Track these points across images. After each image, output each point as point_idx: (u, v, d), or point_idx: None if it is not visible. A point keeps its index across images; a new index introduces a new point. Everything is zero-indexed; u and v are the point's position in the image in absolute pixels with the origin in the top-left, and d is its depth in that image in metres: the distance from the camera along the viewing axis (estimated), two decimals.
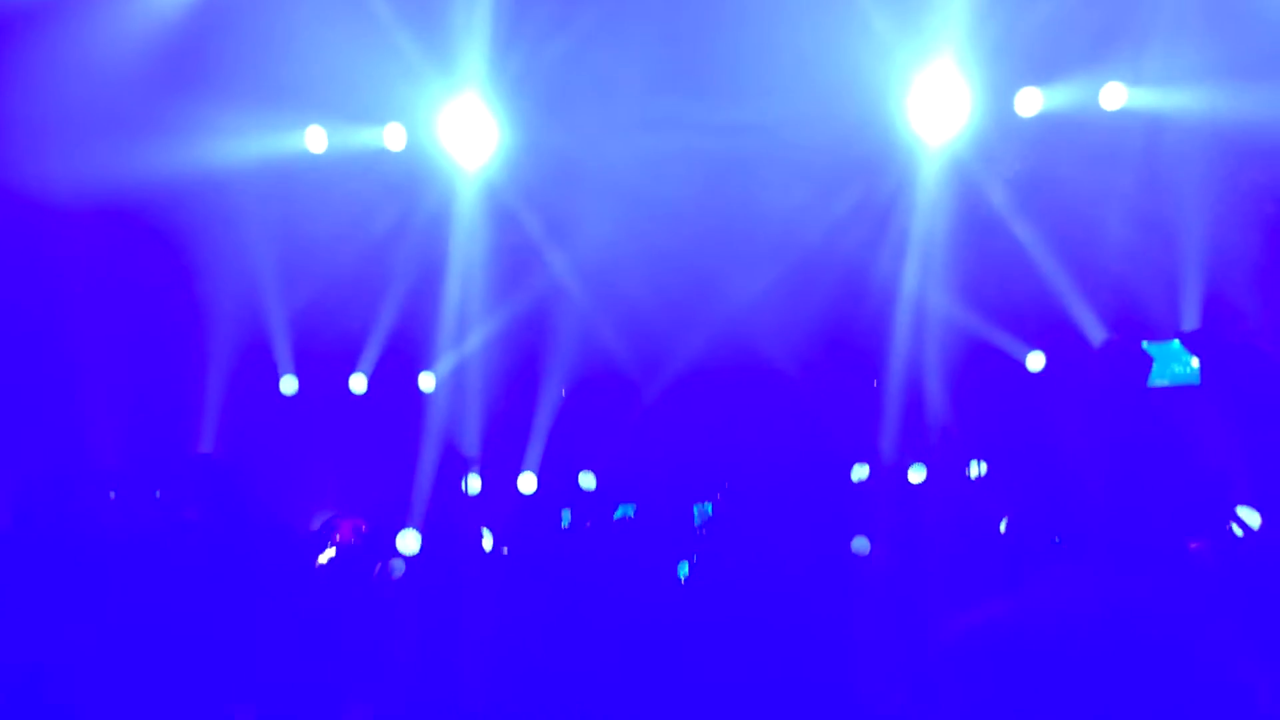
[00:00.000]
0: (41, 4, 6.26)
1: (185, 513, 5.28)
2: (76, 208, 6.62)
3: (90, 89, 6.46)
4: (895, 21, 6.52)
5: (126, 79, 6.64)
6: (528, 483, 7.87)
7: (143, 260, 7.25)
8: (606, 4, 7.09)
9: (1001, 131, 7.17)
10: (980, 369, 7.77)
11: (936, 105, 6.94)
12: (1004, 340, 7.75)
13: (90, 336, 6.86)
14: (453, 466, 7.64)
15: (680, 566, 7.61)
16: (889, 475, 7.80)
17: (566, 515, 7.79)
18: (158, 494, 5.68)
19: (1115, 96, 6.94)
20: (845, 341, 8.02)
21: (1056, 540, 5.25)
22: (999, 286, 7.65)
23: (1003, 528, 6.70)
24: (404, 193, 7.76)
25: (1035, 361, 7.71)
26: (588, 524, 7.97)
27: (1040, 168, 7.36)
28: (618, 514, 7.77)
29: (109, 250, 7.04)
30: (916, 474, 7.72)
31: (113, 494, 5.54)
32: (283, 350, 7.66)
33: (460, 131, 7.48)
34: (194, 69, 6.87)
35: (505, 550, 6.92)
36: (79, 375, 6.78)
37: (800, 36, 6.60)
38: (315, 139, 7.45)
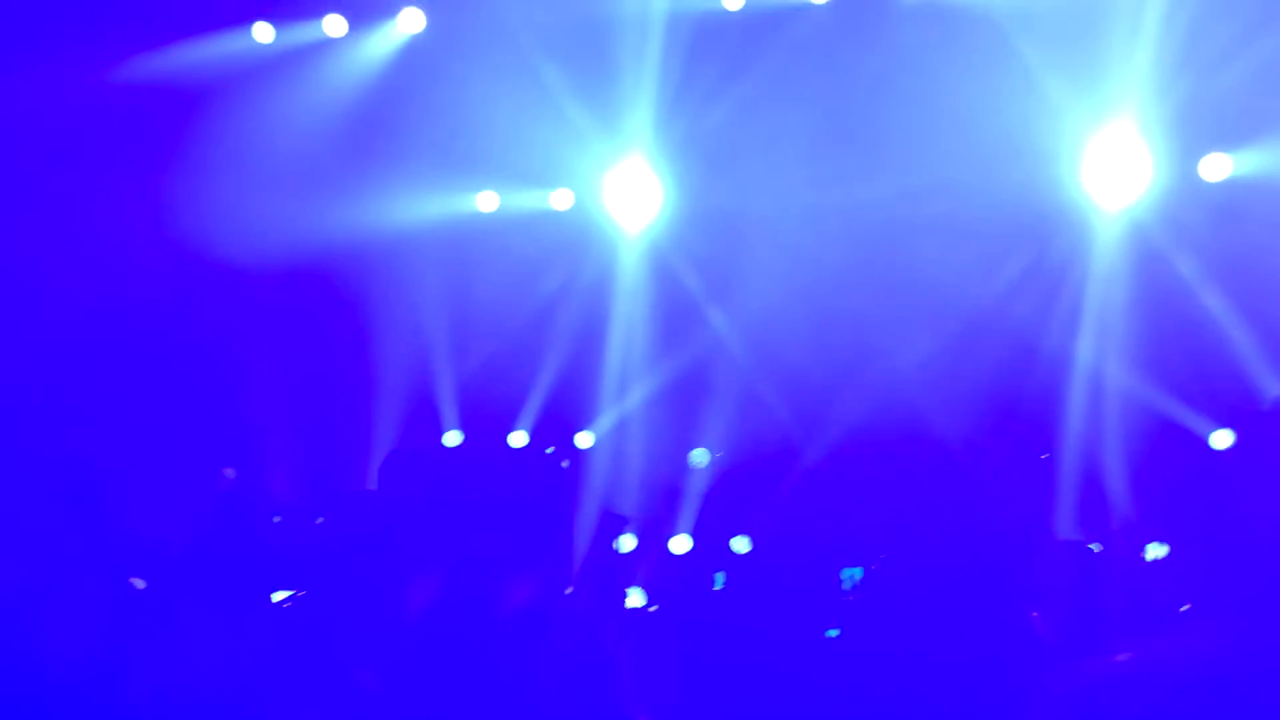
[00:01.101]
0: (237, 67, 6.69)
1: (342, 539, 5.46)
2: (261, 261, 7.00)
3: (278, 149, 6.86)
4: (1068, 83, 6.33)
5: (313, 140, 7.04)
6: (681, 544, 7.84)
7: (321, 312, 7.60)
8: (771, 67, 7.13)
9: (1186, 197, 6.85)
10: (1161, 446, 7.38)
11: (1114, 169, 6.69)
12: (1187, 416, 7.35)
13: (267, 379, 7.21)
14: (607, 525, 7.67)
15: (829, 631, 7.44)
16: (1061, 552, 7.45)
17: (720, 578, 7.71)
18: (319, 521, 5.90)
19: None
20: (1013, 412, 7.75)
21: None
22: (1182, 359, 7.28)
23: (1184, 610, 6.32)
24: (570, 254, 7.93)
25: (1221, 440, 7.28)
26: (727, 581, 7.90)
27: (1228, 235, 6.99)
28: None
29: (290, 301, 7.41)
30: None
31: (277, 519, 5.79)
32: (448, 405, 7.88)
33: (625, 193, 7.61)
34: (377, 132, 7.23)
35: (653, 608, 6.88)
36: (255, 416, 7.13)
37: (968, 97, 6.48)
38: (487, 202, 7.71)
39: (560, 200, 7.76)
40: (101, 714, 3.15)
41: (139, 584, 4.07)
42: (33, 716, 2.89)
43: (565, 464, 7.77)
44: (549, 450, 7.58)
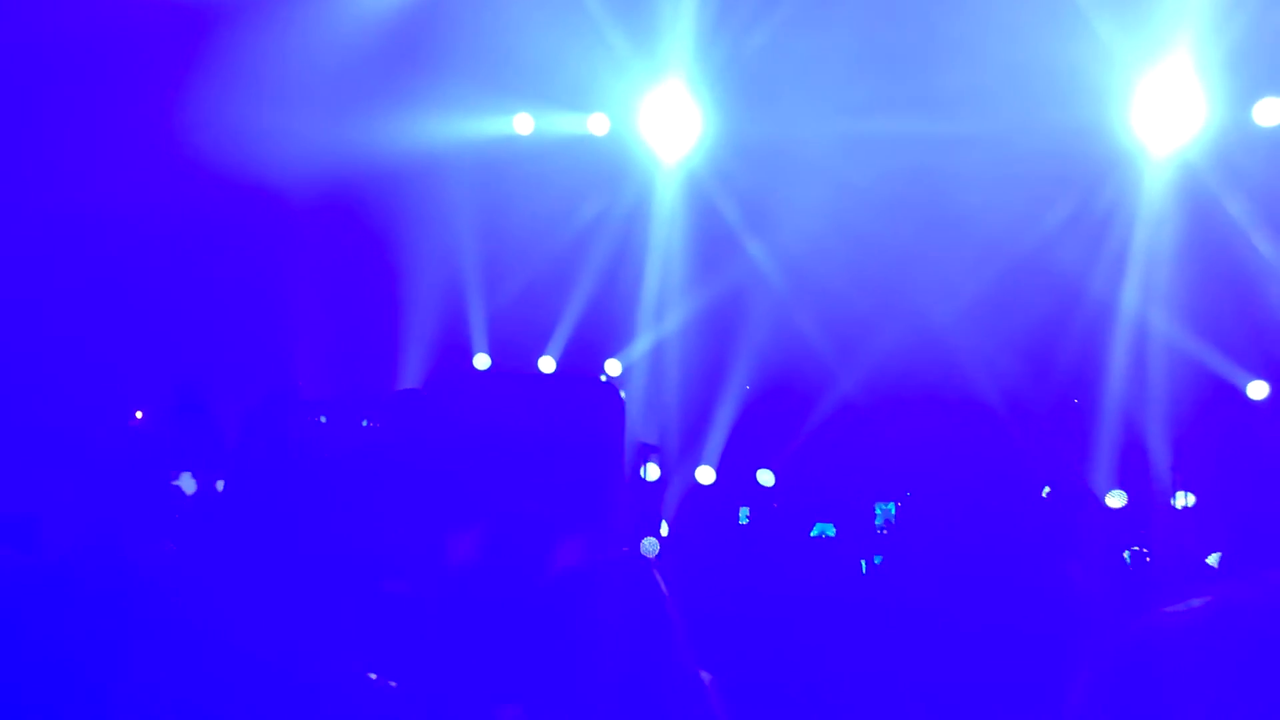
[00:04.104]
0: None
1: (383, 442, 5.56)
2: (296, 181, 7.00)
3: (314, 65, 6.82)
4: (1118, 23, 6.07)
5: (349, 56, 6.98)
6: (706, 475, 7.85)
7: (355, 233, 7.61)
8: None
9: (1239, 140, 6.59)
10: (1196, 394, 7.22)
11: (1165, 111, 6.44)
12: (1226, 366, 7.17)
13: (300, 299, 7.28)
14: (634, 454, 7.69)
15: (860, 565, 7.45)
16: (1087, 498, 7.38)
17: (744, 512, 7.73)
18: (365, 423, 6.02)
19: None
20: (1052, 356, 7.60)
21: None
22: (1229, 308, 7.08)
23: (1213, 561, 6.24)
24: (606, 179, 7.84)
25: (1258, 390, 7.10)
26: (775, 505, 7.89)
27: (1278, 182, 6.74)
28: (814, 532, 7.67)
29: (324, 222, 7.42)
30: (1115, 499, 7.26)
31: (323, 419, 5.92)
32: (479, 328, 7.90)
33: (663, 120, 7.49)
34: (413, 53, 7.15)
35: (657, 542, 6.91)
36: (288, 336, 7.22)
37: (1015, 30, 6.25)
38: (523, 123, 7.63)
39: (597, 125, 7.65)
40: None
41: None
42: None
43: (604, 377, 7.80)
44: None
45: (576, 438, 7.66)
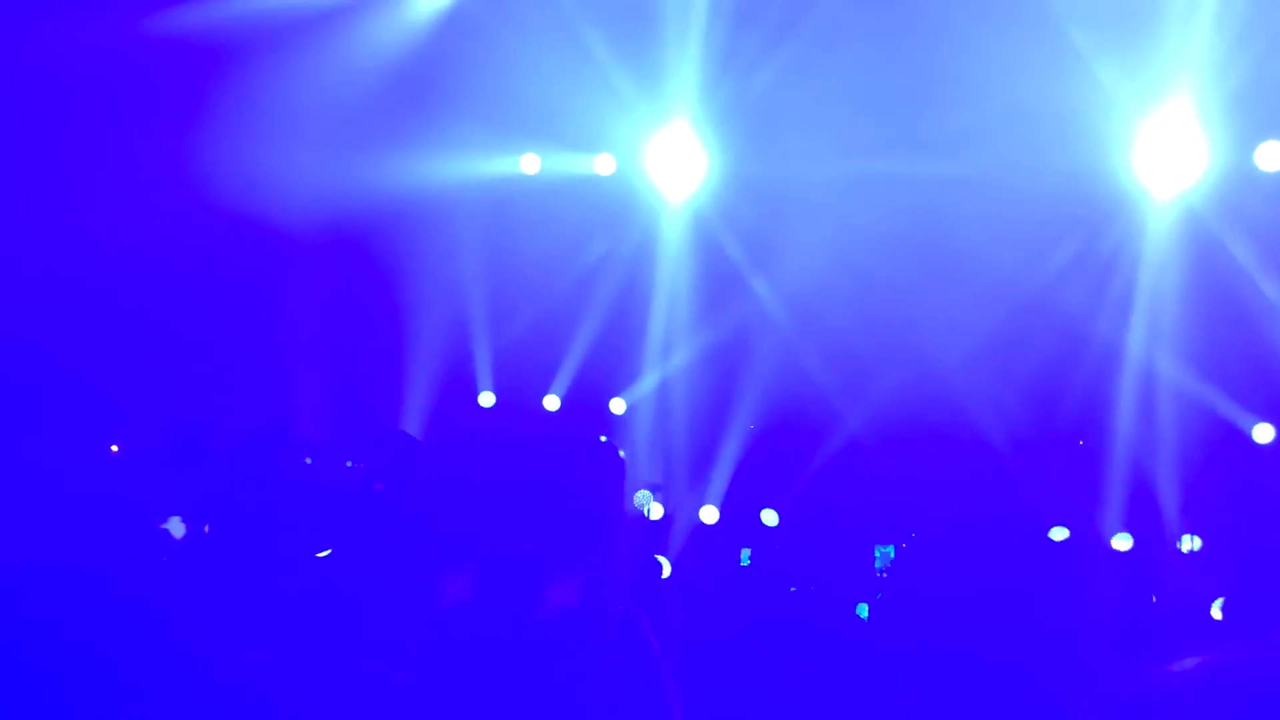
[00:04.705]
0: (281, 22, 6.71)
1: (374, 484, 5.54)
2: (302, 220, 7.06)
3: (321, 108, 6.89)
4: (1119, 66, 6.12)
5: (357, 99, 7.06)
6: (710, 514, 7.83)
7: (362, 273, 7.66)
8: (817, 32, 6.99)
9: (1241, 184, 6.61)
10: (1203, 438, 7.20)
11: (1167, 155, 6.47)
12: (1232, 410, 7.15)
13: (304, 332, 7.31)
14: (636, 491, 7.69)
15: (860, 607, 7.42)
16: (1092, 541, 7.34)
17: (746, 554, 7.70)
18: (349, 464, 6.01)
19: None
20: (1056, 399, 7.59)
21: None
22: (1234, 351, 7.08)
23: (1216, 610, 6.20)
24: (612, 220, 7.89)
25: (1264, 434, 7.08)
26: (776, 547, 7.86)
27: None
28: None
29: (330, 261, 7.47)
30: (1121, 542, 7.23)
31: (309, 460, 5.91)
32: (484, 366, 7.93)
33: (668, 160, 7.55)
34: (421, 93, 7.23)
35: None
36: (292, 376, 7.24)
37: (1017, 75, 6.30)
38: (529, 164, 7.70)
39: (603, 165, 7.71)
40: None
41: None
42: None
43: (603, 439, 7.78)
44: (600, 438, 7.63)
45: (575, 478, 7.63)
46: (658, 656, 3.32)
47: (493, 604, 3.73)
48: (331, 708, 3.09)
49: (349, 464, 6.03)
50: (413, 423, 7.63)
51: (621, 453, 7.26)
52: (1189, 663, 2.94)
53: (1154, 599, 6.80)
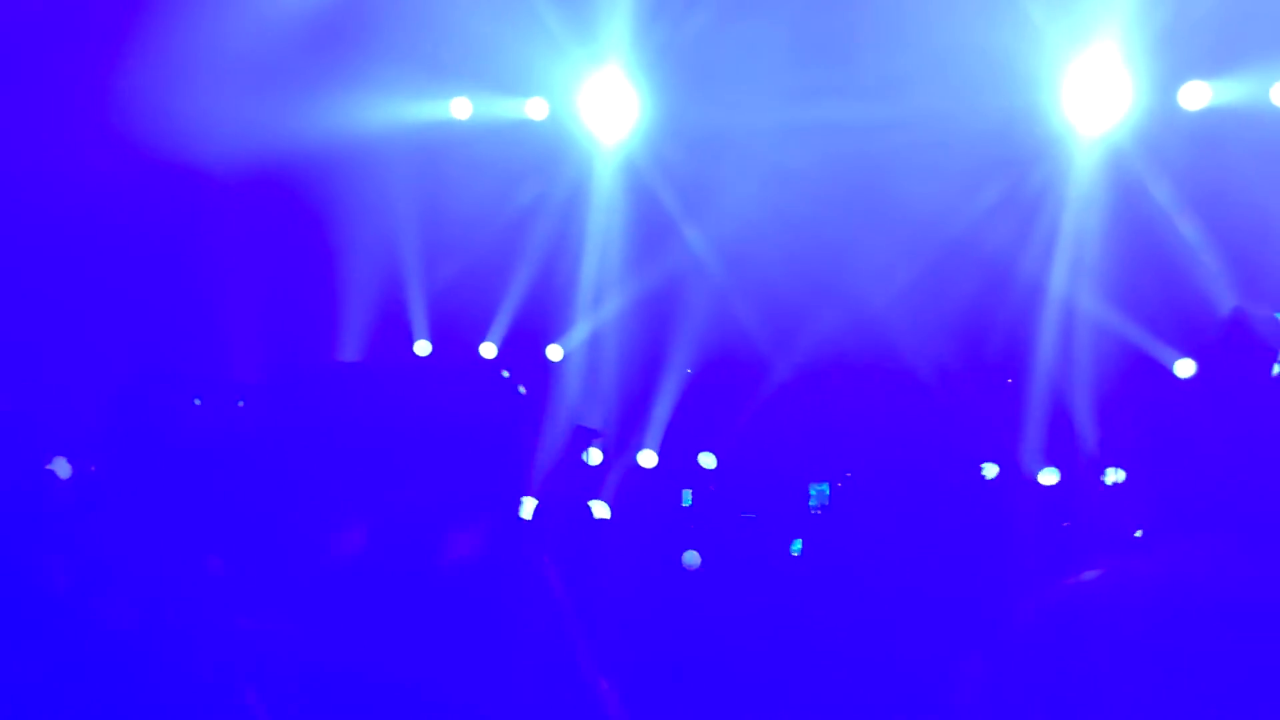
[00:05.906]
0: None
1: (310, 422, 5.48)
2: (230, 165, 6.90)
3: (245, 44, 6.71)
4: (1048, 7, 6.21)
5: (284, 42, 6.88)
6: (648, 458, 7.89)
7: (291, 218, 7.51)
8: None
9: (1164, 124, 6.78)
10: (1125, 373, 7.42)
11: (1093, 95, 6.60)
12: (1153, 345, 7.37)
13: (235, 285, 7.17)
14: (575, 438, 7.70)
15: (794, 544, 7.56)
16: (1020, 477, 7.55)
17: (688, 495, 7.78)
18: (240, 403, 5.96)
19: None
20: (984, 337, 7.76)
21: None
22: (1155, 288, 7.28)
23: (1137, 536, 6.42)
24: (544, 165, 7.84)
25: (1184, 369, 7.32)
26: (712, 488, 7.97)
27: (1205, 164, 6.94)
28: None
29: (259, 206, 7.32)
30: (1048, 477, 7.44)
31: (241, 403, 5.84)
32: (419, 314, 7.85)
33: (601, 105, 7.50)
34: (350, 35, 7.07)
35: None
36: (222, 322, 7.11)
37: (947, 16, 6.37)
38: (461, 108, 7.60)
39: (535, 109, 7.64)
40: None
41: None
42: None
43: (522, 389, 7.76)
44: (504, 374, 7.59)
45: (482, 426, 7.62)
46: (561, 603, 3.32)
47: (389, 553, 3.70)
48: (221, 651, 3.04)
49: (240, 403, 5.98)
50: (344, 370, 7.54)
51: (539, 401, 7.28)
52: (1092, 574, 3.03)
53: (1065, 524, 7.05)
